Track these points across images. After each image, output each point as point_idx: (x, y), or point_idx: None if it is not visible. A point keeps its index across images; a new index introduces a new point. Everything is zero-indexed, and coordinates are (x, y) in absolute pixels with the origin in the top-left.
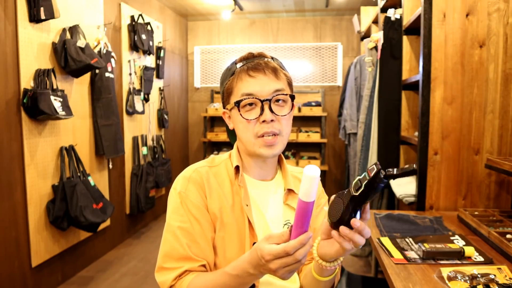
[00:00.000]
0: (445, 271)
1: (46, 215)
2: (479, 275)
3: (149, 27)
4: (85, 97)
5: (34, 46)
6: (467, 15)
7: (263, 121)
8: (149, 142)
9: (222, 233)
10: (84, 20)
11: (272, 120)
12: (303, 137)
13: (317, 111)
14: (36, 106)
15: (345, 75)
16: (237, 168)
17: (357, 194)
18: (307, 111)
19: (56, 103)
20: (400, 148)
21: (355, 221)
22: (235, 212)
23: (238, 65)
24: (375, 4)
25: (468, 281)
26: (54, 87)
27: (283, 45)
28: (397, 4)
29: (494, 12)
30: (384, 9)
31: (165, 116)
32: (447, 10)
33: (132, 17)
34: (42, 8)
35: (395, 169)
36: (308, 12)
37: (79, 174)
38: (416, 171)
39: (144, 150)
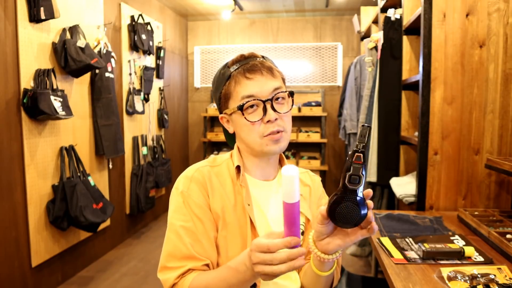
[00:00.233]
0: (445, 271)
1: (46, 215)
2: (479, 275)
3: (149, 27)
4: (85, 97)
5: (34, 46)
6: (467, 15)
7: (268, 121)
8: (149, 142)
9: (225, 233)
10: (84, 20)
11: (276, 119)
12: (303, 137)
13: (317, 111)
14: (36, 106)
15: (345, 75)
16: (238, 168)
17: (347, 182)
18: (307, 111)
19: (56, 103)
20: (400, 148)
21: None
22: (237, 211)
23: (232, 68)
24: (375, 4)
25: (468, 281)
26: (54, 87)
27: (283, 45)
28: (397, 4)
29: (494, 12)
30: (384, 9)
31: (165, 116)
32: (447, 10)
33: (132, 17)
34: (42, 8)
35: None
36: (308, 12)
37: (79, 174)
38: (366, 127)
39: (144, 150)
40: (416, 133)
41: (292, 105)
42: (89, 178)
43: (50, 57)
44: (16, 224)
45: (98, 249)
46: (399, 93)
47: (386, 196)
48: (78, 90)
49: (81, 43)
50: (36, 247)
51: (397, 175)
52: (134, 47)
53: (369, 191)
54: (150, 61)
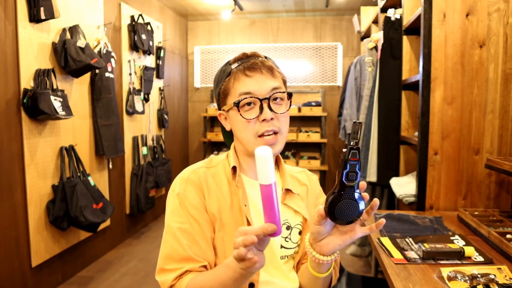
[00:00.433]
0: (445, 271)
1: (46, 215)
2: (479, 275)
3: (149, 27)
4: (85, 97)
5: (34, 46)
6: (467, 15)
7: (263, 120)
8: (149, 142)
9: (222, 234)
10: (84, 20)
11: (271, 119)
12: (303, 137)
13: (317, 111)
14: (36, 106)
15: (345, 75)
16: (234, 168)
17: (345, 179)
18: (307, 111)
19: (56, 103)
20: (400, 148)
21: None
22: (234, 212)
23: (233, 66)
24: (375, 4)
25: (468, 281)
26: (54, 87)
27: (283, 45)
28: (397, 4)
29: (494, 12)
30: (384, 9)
31: (165, 116)
32: (447, 10)
33: (132, 17)
34: (42, 8)
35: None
36: (308, 12)
37: (79, 174)
38: (358, 123)
39: (144, 150)
40: (416, 133)
41: (290, 106)
42: (89, 178)
43: (50, 57)
44: (16, 224)
45: (98, 249)
46: (399, 93)
47: (386, 196)
48: (78, 90)
49: (81, 43)
50: (36, 247)
51: (397, 175)
52: (134, 47)
53: (364, 183)
54: (150, 61)
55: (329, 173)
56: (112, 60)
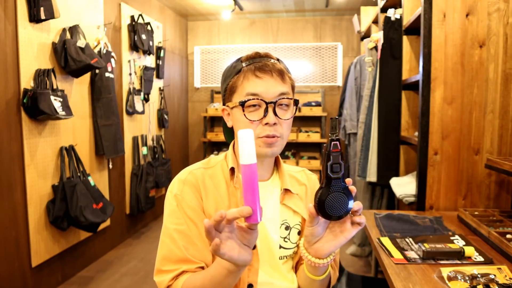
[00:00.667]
0: (445, 271)
1: (46, 215)
2: (479, 275)
3: (149, 27)
4: (85, 97)
5: (34, 46)
6: (467, 15)
7: (266, 124)
8: (149, 142)
9: None
10: (84, 20)
11: (274, 123)
12: (303, 137)
13: (317, 111)
14: (36, 106)
15: (345, 75)
16: (232, 169)
17: (330, 172)
18: (307, 111)
19: (56, 103)
20: (400, 148)
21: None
22: None
23: (244, 64)
24: (375, 4)
25: (468, 281)
26: (54, 87)
27: (283, 45)
28: (397, 4)
29: (494, 12)
30: (384, 9)
31: (165, 116)
32: (447, 10)
33: (132, 17)
34: (42, 8)
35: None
36: (308, 12)
37: (79, 174)
38: (335, 119)
39: (144, 150)
40: (416, 133)
41: (295, 113)
42: (89, 178)
43: (50, 57)
44: (16, 224)
45: (98, 249)
46: (399, 93)
47: (386, 196)
48: (78, 90)
49: (81, 43)
50: (36, 247)
51: (397, 175)
52: (134, 47)
53: (350, 180)
54: (150, 61)
55: None
56: (112, 60)
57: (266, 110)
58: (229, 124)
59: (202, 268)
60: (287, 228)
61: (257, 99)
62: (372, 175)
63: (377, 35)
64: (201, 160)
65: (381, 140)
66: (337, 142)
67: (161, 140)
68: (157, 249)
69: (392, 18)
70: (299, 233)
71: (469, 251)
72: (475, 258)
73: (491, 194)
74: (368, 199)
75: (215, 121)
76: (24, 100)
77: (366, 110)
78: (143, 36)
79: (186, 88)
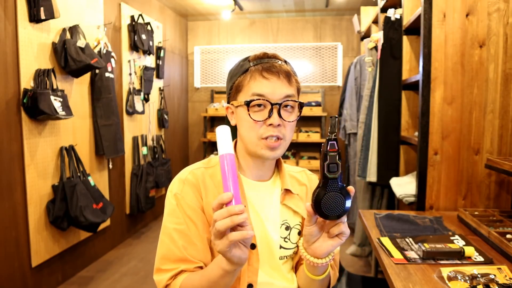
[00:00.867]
0: (445, 271)
1: (46, 215)
2: (479, 275)
3: (149, 27)
4: (85, 97)
5: (34, 46)
6: (467, 15)
7: (270, 125)
8: (149, 142)
9: None
10: (84, 20)
11: (278, 125)
12: (303, 137)
13: (317, 111)
14: (36, 106)
15: (345, 75)
16: None
17: (327, 172)
18: (307, 111)
19: (56, 103)
20: (400, 148)
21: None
22: None
23: (252, 63)
24: (375, 4)
25: (468, 281)
26: (54, 87)
27: (283, 45)
28: (397, 4)
29: (494, 12)
30: (384, 9)
31: (165, 116)
32: (447, 10)
33: (132, 17)
34: (42, 8)
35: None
36: (308, 12)
37: (79, 174)
38: (334, 118)
39: (144, 150)
40: (416, 133)
41: (299, 115)
42: (89, 178)
43: (50, 57)
44: (16, 224)
45: (98, 249)
46: (399, 93)
47: (386, 196)
48: (78, 90)
49: (81, 43)
50: (36, 247)
51: (397, 175)
52: (134, 47)
53: (352, 188)
54: (150, 61)
55: None
56: (112, 60)
57: (271, 111)
58: (232, 123)
59: (201, 267)
60: (287, 228)
61: (263, 99)
62: (372, 175)
63: (377, 35)
64: (202, 160)
65: (381, 140)
66: (334, 142)
67: (161, 140)
68: (157, 248)
69: (392, 18)
70: (299, 233)
71: (469, 251)
72: (475, 258)
73: (491, 194)
74: (368, 199)
75: (215, 121)
76: (24, 100)
77: (366, 110)
78: (143, 36)
79: (186, 88)
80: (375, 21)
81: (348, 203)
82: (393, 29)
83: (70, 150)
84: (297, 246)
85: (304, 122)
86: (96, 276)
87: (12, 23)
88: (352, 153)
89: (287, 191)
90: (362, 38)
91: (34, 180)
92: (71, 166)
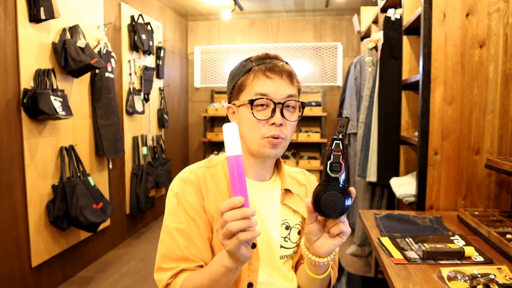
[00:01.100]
0: (445, 271)
1: (46, 215)
2: (479, 275)
3: (149, 27)
4: (85, 97)
5: (34, 46)
6: (467, 15)
7: (272, 124)
8: (149, 142)
9: None
10: (84, 20)
11: (280, 124)
12: (303, 137)
13: (317, 111)
14: (36, 106)
15: (345, 75)
16: None
17: (329, 170)
18: (307, 111)
19: (56, 103)
20: (400, 148)
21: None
22: None
23: (254, 63)
24: (375, 4)
25: (468, 281)
26: (54, 87)
27: (283, 45)
28: (397, 4)
29: (494, 12)
30: (384, 9)
31: (165, 116)
32: (447, 10)
33: (132, 17)
34: (42, 8)
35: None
36: (308, 12)
37: (79, 174)
38: (345, 118)
39: (144, 150)
40: (416, 133)
41: (301, 116)
42: (89, 178)
43: (50, 57)
44: (16, 224)
45: (98, 249)
46: (399, 93)
47: (386, 196)
48: (78, 90)
49: (81, 43)
50: (36, 247)
51: (397, 175)
52: (134, 47)
53: (353, 190)
54: (150, 61)
55: None
56: (112, 60)
57: (273, 111)
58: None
59: (201, 266)
60: (287, 227)
61: (266, 98)
62: (372, 175)
63: (377, 35)
64: (202, 160)
65: (381, 140)
66: (340, 142)
67: (161, 140)
68: (157, 247)
69: (392, 18)
70: (299, 232)
71: (469, 251)
72: (475, 258)
73: (491, 194)
74: (368, 199)
75: (215, 121)
76: (24, 100)
77: (366, 110)
78: (143, 36)
79: (186, 88)
80: (375, 21)
81: (348, 203)
82: (393, 29)
83: (70, 150)
84: (297, 246)
85: (304, 122)
86: (96, 276)
87: (12, 23)
88: (352, 153)
89: (287, 191)
90: (362, 38)
91: (34, 180)
92: (71, 166)
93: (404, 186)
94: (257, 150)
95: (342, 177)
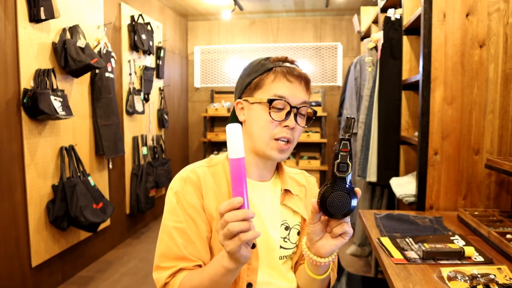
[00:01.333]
0: (445, 271)
1: (46, 215)
2: (479, 275)
3: (149, 27)
4: (85, 97)
5: (34, 46)
6: (467, 15)
7: (285, 126)
8: (149, 142)
9: None
10: (84, 20)
11: (292, 128)
12: (303, 137)
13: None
14: (36, 106)
15: (345, 75)
16: None
17: (336, 170)
18: None
19: (56, 103)
20: (400, 148)
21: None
22: None
23: (275, 64)
24: (375, 4)
25: (468, 281)
26: (54, 87)
27: (283, 45)
28: (397, 4)
29: (494, 12)
30: (384, 9)
31: (165, 116)
32: (447, 10)
33: (132, 17)
34: (42, 8)
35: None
36: (308, 12)
37: (79, 174)
38: (351, 118)
39: (144, 150)
40: (416, 133)
41: (310, 123)
42: (89, 178)
43: (50, 57)
44: (16, 224)
45: (98, 249)
46: (399, 93)
47: (386, 196)
48: (78, 90)
49: (81, 43)
50: (36, 247)
51: (397, 175)
52: (134, 47)
53: (358, 190)
54: (150, 61)
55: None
56: (112, 60)
57: (288, 114)
58: (241, 118)
59: (200, 266)
60: (287, 228)
61: (284, 101)
62: (372, 175)
63: (377, 35)
64: (203, 159)
65: (381, 140)
66: (347, 142)
67: (161, 140)
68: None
69: (392, 18)
70: (299, 233)
71: (469, 251)
72: (475, 258)
73: (491, 194)
74: (368, 199)
75: (215, 121)
76: (24, 100)
77: (366, 110)
78: (143, 36)
79: (186, 88)
80: (375, 21)
81: (354, 204)
82: (393, 29)
83: (70, 150)
84: (297, 246)
85: None
86: (96, 276)
87: (12, 23)
88: (352, 153)
89: (287, 191)
90: (362, 38)
91: (34, 180)
92: (71, 166)
93: (404, 186)
94: (263, 150)
95: (349, 177)
